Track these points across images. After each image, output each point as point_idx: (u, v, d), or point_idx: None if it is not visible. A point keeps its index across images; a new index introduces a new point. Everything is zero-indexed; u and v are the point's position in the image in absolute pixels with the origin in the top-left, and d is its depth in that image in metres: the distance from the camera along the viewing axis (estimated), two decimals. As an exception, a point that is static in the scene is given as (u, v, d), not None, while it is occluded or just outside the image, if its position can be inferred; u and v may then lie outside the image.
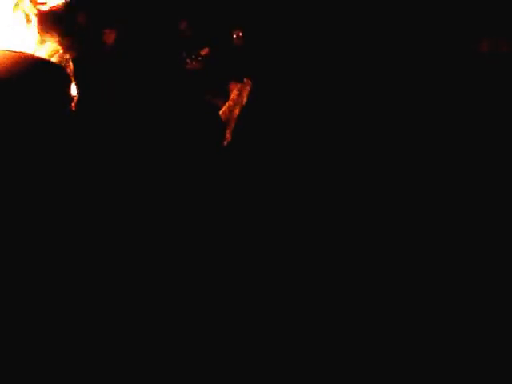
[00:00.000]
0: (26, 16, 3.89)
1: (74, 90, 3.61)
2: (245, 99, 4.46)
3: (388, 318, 2.91)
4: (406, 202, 3.44)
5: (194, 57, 5.42)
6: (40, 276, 2.89)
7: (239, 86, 4.63)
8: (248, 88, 4.48)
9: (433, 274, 3.11)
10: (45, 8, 3.97)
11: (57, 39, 4.02)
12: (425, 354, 2.74)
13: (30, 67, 3.40)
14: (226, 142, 4.15)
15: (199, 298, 2.96)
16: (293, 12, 4.43)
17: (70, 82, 3.59)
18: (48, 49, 3.97)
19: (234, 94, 4.65)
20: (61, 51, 4.03)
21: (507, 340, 2.76)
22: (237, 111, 4.49)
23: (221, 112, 4.54)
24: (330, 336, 2.83)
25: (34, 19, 3.90)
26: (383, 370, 2.68)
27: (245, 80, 4.55)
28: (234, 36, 5.67)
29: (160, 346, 2.73)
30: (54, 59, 3.85)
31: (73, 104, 3.58)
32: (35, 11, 3.93)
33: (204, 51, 5.44)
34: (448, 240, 3.25)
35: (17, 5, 3.86)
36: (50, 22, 3.93)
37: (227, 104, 4.59)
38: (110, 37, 4.95)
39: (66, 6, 4.16)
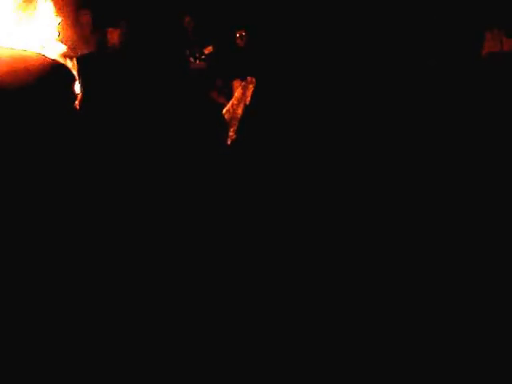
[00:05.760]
0: (32, 16, 3.90)
1: (77, 87, 3.62)
2: (248, 98, 4.47)
3: (388, 317, 2.90)
4: (406, 201, 3.43)
5: (197, 55, 5.45)
6: (42, 274, 2.88)
7: (243, 84, 4.65)
8: (252, 87, 4.49)
9: (432, 273, 3.10)
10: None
11: (61, 38, 4.04)
12: (425, 354, 2.73)
13: (35, 66, 3.41)
14: (229, 140, 4.15)
15: (199, 297, 2.94)
16: (295, 12, 4.43)
17: (74, 80, 3.59)
18: (53, 48, 3.98)
19: (237, 93, 4.66)
20: (65, 50, 4.05)
21: (507, 340, 2.74)
22: (240, 110, 4.50)
23: (224, 110, 4.55)
24: (329, 336, 2.82)
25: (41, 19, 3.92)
26: (383, 369, 2.67)
27: (248, 79, 4.56)
28: (238, 35, 5.69)
29: (160, 345, 2.71)
30: (58, 58, 3.87)
31: (77, 102, 3.58)
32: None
33: (208, 50, 5.46)
34: (448, 239, 3.24)
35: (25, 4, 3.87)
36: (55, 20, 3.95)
37: (231, 102, 4.60)
38: (113, 35, 4.97)
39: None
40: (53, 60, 3.56)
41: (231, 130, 4.33)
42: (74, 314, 2.74)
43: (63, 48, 4.04)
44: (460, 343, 2.70)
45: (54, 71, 3.48)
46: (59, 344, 2.62)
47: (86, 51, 4.41)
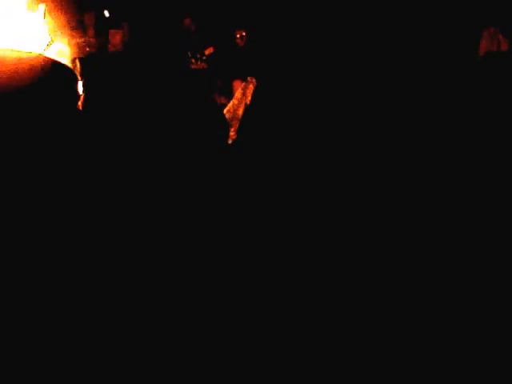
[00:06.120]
0: (35, 18, 3.93)
1: (80, 89, 3.64)
2: (249, 98, 4.50)
3: (388, 318, 2.90)
4: (407, 202, 3.44)
5: (198, 56, 5.49)
6: (42, 273, 2.89)
7: (243, 84, 4.68)
8: (252, 87, 4.53)
9: (433, 274, 3.10)
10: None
11: (64, 39, 4.07)
12: (425, 354, 2.72)
13: (37, 67, 3.42)
14: (230, 141, 4.18)
15: (199, 298, 2.94)
16: (295, 12, 4.46)
17: (77, 82, 3.61)
18: (55, 48, 4.02)
19: (238, 93, 4.69)
20: (68, 51, 4.08)
21: (507, 340, 2.74)
22: (241, 110, 4.53)
23: (225, 110, 4.58)
24: (329, 336, 2.82)
25: (44, 21, 3.95)
26: (383, 370, 2.66)
27: (249, 79, 4.60)
28: (238, 36, 5.72)
29: (160, 346, 2.71)
30: (61, 59, 3.89)
31: (79, 103, 3.60)
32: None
33: (208, 51, 5.51)
34: (448, 240, 3.24)
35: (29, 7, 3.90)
36: (58, 22, 3.98)
37: (231, 102, 4.64)
38: (115, 37, 5.02)
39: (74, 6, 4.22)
40: (55, 61, 3.58)
41: (232, 129, 4.36)
42: (74, 313, 2.77)
43: (66, 49, 4.07)
44: (460, 343, 2.72)
45: (56, 72, 3.51)
46: (59, 344, 2.65)
47: (88, 52, 4.44)
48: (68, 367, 2.58)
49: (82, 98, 3.63)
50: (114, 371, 2.60)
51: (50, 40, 4.00)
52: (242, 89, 4.60)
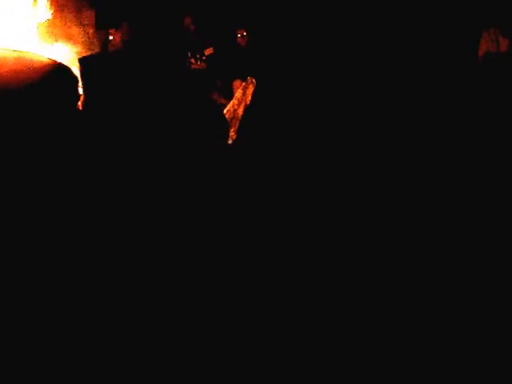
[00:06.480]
0: (36, 18, 3.93)
1: (80, 89, 3.64)
2: (249, 98, 4.51)
3: (388, 318, 2.89)
4: (406, 201, 3.44)
5: (198, 56, 5.49)
6: (43, 274, 2.89)
7: (243, 84, 4.68)
8: (252, 87, 4.53)
9: (433, 273, 3.09)
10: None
11: (65, 40, 4.07)
12: (425, 354, 2.71)
13: (38, 67, 3.43)
14: (230, 140, 4.18)
15: (199, 298, 2.94)
16: (295, 12, 4.46)
17: (77, 82, 3.62)
18: (56, 50, 4.02)
19: (238, 93, 4.70)
20: (68, 51, 4.08)
21: (507, 340, 2.73)
22: (241, 110, 4.54)
23: (225, 111, 4.59)
24: (329, 336, 2.81)
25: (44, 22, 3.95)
26: (383, 370, 2.66)
27: (249, 79, 4.60)
28: (238, 35, 5.73)
29: (160, 346, 2.71)
30: (61, 59, 3.89)
31: (79, 103, 3.60)
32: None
33: (208, 51, 5.50)
34: (448, 240, 3.24)
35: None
36: (58, 23, 3.99)
37: (231, 103, 4.64)
38: (115, 36, 5.02)
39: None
40: (55, 61, 3.59)
41: (232, 130, 4.36)
42: (74, 314, 2.77)
43: (66, 49, 4.07)
44: (460, 343, 2.72)
45: (56, 72, 3.51)
46: (59, 344, 2.63)
47: (88, 52, 4.44)
48: (68, 366, 2.58)
49: (81, 98, 3.63)
50: (113, 370, 2.60)
51: (50, 41, 4.00)
52: (242, 89, 4.60)
